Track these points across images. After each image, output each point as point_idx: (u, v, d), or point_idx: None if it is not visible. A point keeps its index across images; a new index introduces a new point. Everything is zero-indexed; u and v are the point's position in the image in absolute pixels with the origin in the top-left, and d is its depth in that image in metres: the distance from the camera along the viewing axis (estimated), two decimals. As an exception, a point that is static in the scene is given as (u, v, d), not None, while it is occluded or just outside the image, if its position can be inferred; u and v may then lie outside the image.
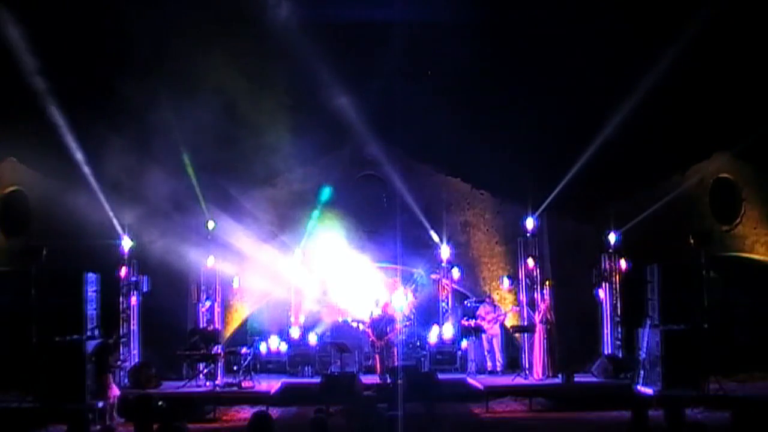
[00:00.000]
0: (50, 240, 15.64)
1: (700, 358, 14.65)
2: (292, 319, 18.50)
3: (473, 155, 18.27)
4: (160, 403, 9.95)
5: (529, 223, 17.66)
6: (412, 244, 18.72)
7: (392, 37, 16.47)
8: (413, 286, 18.82)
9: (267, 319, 19.03)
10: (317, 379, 15.91)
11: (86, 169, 16.39)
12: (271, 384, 16.19)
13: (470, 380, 16.65)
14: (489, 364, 17.47)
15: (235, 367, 16.55)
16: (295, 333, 18.20)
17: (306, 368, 17.67)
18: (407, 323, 18.08)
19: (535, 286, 17.43)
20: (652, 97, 16.33)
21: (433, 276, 18.75)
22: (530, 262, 17.45)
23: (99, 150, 16.22)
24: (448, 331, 18.16)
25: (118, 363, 15.91)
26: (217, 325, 17.09)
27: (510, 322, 17.93)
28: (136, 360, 16.60)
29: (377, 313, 17.35)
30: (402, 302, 18.23)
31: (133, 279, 16.52)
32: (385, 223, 19.00)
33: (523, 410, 15.02)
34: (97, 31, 16.28)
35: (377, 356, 17.05)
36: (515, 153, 17.47)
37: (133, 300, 16.61)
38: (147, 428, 8.01)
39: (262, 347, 17.92)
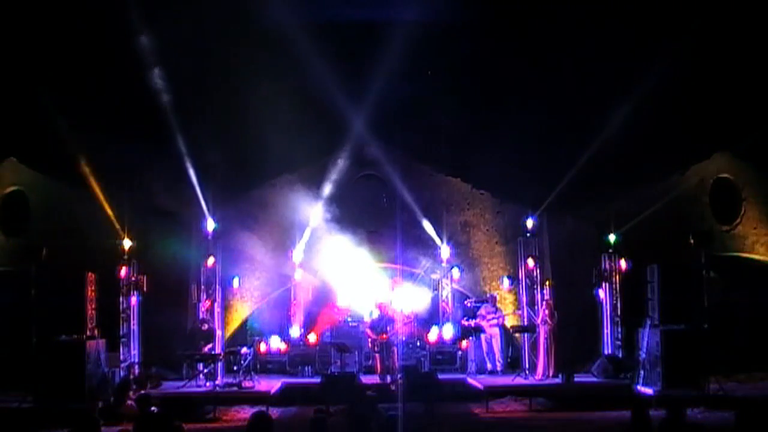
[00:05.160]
0: (50, 240, 15.65)
1: (700, 358, 14.64)
2: (292, 319, 18.50)
3: (473, 155, 18.28)
4: (153, 408, 9.92)
5: (529, 223, 17.66)
6: (412, 244, 18.73)
7: (392, 37, 16.46)
8: (419, 282, 18.82)
9: (267, 319, 19.03)
10: (317, 379, 15.91)
11: (86, 169, 16.41)
12: (271, 384, 16.18)
13: (470, 380, 16.64)
14: (489, 364, 17.46)
15: (235, 367, 16.54)
16: (295, 333, 18.20)
17: (306, 368, 17.67)
18: (407, 321, 18.02)
19: (535, 286, 17.43)
20: (652, 97, 16.33)
21: (433, 276, 18.75)
22: (530, 262, 17.45)
23: (100, 150, 16.22)
24: (448, 331, 18.15)
25: (121, 365, 15.92)
26: (214, 325, 17.06)
27: (510, 322, 17.94)
28: (136, 360, 16.59)
29: (377, 312, 17.37)
30: (408, 301, 18.20)
31: (133, 279, 16.51)
32: (385, 223, 19.00)
33: (523, 410, 15.01)
34: (94, 27, 16.27)
35: (377, 356, 17.06)
36: (515, 153, 17.47)
37: (133, 300, 16.60)
38: (146, 427, 8.02)
39: (262, 347, 17.91)
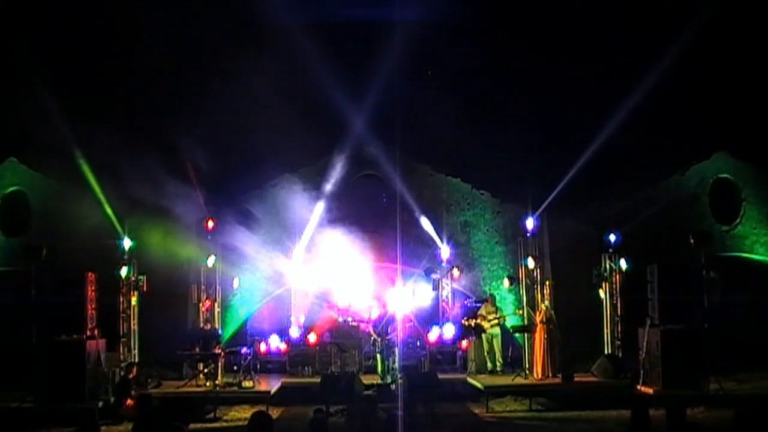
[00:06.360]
0: (50, 240, 15.65)
1: (700, 358, 14.64)
2: (292, 319, 18.50)
3: (473, 155, 18.29)
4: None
5: (529, 223, 17.63)
6: (412, 244, 18.73)
7: (392, 37, 16.48)
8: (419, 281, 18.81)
9: (267, 319, 19.02)
10: (317, 379, 15.90)
11: (86, 169, 16.42)
12: (271, 384, 16.18)
13: (470, 380, 16.64)
14: (489, 364, 17.46)
15: (235, 367, 16.53)
16: (295, 333, 18.19)
17: (306, 368, 17.66)
18: (408, 321, 18.00)
19: (535, 286, 17.41)
20: (653, 97, 16.35)
21: (434, 276, 18.74)
22: (530, 262, 17.42)
23: (100, 150, 16.23)
24: (448, 331, 18.13)
25: (121, 365, 15.92)
26: (216, 325, 17.07)
27: (510, 322, 17.92)
28: (136, 360, 16.58)
29: (377, 312, 17.39)
30: (408, 301, 18.19)
31: (133, 279, 16.51)
32: (385, 222, 19.00)
33: (523, 410, 15.03)
34: (100, 30, 16.32)
35: (378, 356, 17.06)
36: (515, 153, 17.48)
37: (133, 300, 16.59)
38: (146, 427, 8.03)
39: (262, 347, 17.90)
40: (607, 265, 17.11)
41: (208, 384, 15.77)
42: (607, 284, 17.14)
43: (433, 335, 18.06)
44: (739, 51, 17.15)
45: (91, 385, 14.33)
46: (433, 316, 18.68)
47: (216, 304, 17.24)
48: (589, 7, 16.93)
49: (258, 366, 17.36)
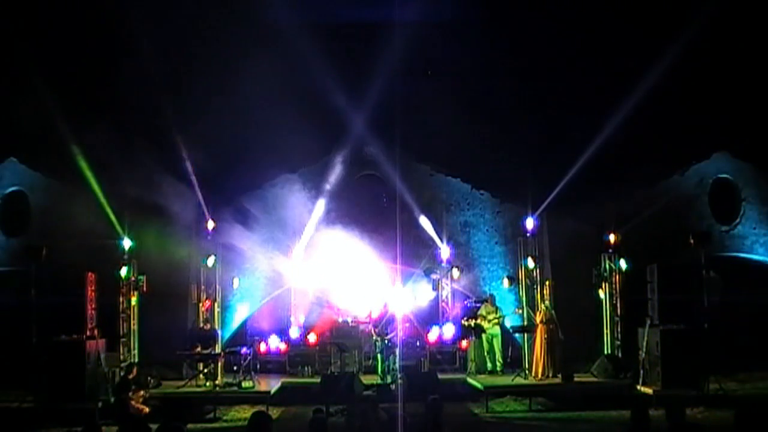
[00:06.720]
0: (50, 240, 15.65)
1: (700, 358, 14.65)
2: (292, 319, 18.50)
3: (473, 155, 18.29)
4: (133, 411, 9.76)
5: (529, 223, 17.64)
6: (412, 244, 18.73)
7: (392, 37, 16.48)
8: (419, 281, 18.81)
9: (267, 319, 19.01)
10: (317, 379, 15.91)
11: (86, 168, 16.43)
12: (271, 384, 16.19)
13: (470, 380, 16.64)
14: (489, 364, 17.46)
15: (235, 367, 16.54)
16: (294, 333, 18.19)
17: (306, 368, 17.66)
18: (407, 321, 18.01)
19: (535, 286, 17.41)
20: (652, 97, 16.35)
21: (433, 276, 18.75)
22: (530, 262, 17.43)
23: (99, 149, 16.23)
24: (448, 331, 18.13)
25: (121, 365, 15.92)
26: (216, 325, 17.08)
27: (510, 322, 17.93)
28: (136, 360, 16.58)
29: (377, 312, 17.38)
30: (408, 301, 18.20)
31: (133, 279, 16.51)
32: (385, 222, 19.00)
33: (523, 410, 15.03)
34: (99, 30, 16.32)
35: (378, 356, 17.06)
36: (515, 153, 17.49)
37: (133, 300, 16.59)
38: (130, 428, 8.06)
39: (262, 347, 17.90)
40: (607, 265, 17.11)
41: (207, 384, 15.79)
42: (607, 284, 17.14)
43: (433, 335, 18.06)
44: (738, 50, 17.15)
45: (91, 385, 14.35)
46: (433, 316, 18.67)
47: (216, 304, 17.24)
48: (589, 7, 16.93)
49: (258, 366, 17.36)
